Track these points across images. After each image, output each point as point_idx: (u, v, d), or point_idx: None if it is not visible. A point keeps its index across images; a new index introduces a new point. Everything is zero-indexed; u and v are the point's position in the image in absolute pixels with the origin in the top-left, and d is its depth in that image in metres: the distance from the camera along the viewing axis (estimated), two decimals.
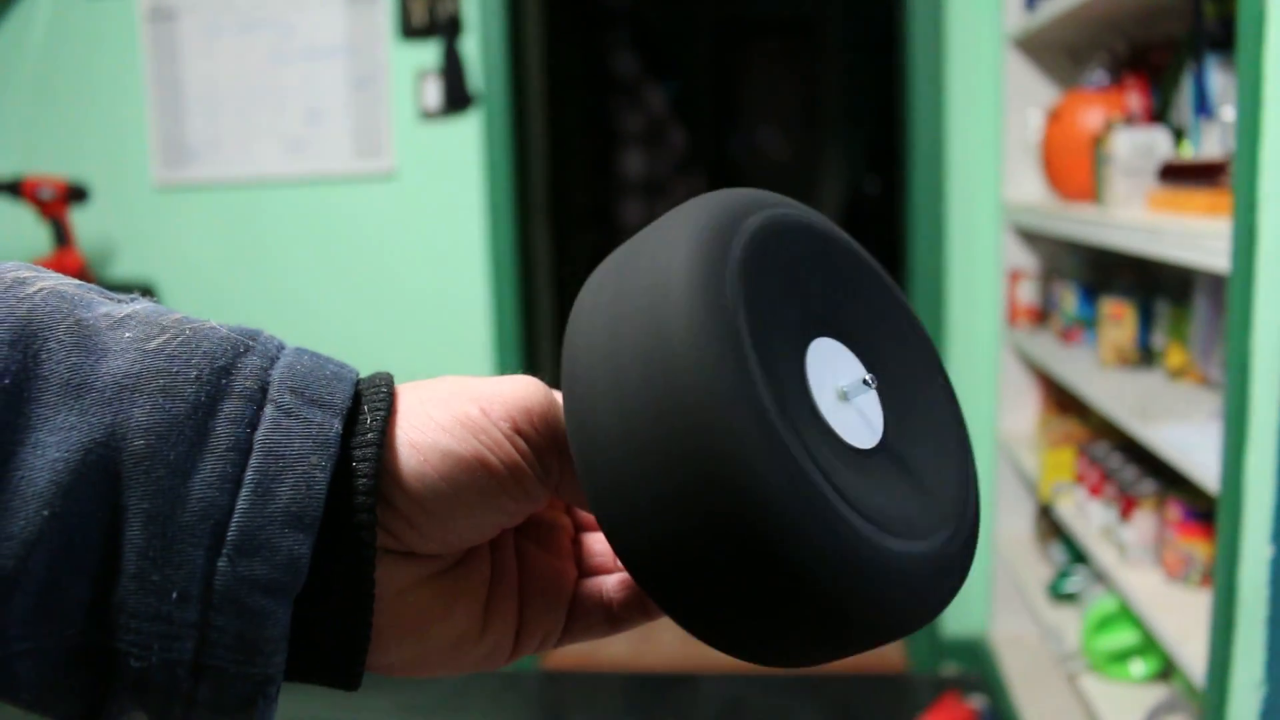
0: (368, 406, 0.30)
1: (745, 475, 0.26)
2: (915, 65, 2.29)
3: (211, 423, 0.27)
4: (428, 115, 2.44)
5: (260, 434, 0.28)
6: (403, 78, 2.44)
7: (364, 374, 0.32)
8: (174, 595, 0.26)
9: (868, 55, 6.35)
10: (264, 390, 0.28)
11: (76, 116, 2.56)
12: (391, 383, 0.31)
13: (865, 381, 0.32)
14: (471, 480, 0.30)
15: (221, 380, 0.28)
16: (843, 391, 0.32)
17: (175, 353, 0.28)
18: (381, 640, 0.31)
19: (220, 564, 0.27)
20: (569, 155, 3.79)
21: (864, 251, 0.36)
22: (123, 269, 2.59)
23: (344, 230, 2.52)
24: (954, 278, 2.37)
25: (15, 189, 2.35)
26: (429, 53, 2.42)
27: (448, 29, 2.39)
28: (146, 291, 0.31)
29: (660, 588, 0.29)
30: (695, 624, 0.29)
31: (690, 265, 0.29)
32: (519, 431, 0.31)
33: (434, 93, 2.42)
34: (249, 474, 0.27)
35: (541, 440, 0.32)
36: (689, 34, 6.57)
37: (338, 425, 0.29)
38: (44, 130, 2.57)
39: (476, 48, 2.41)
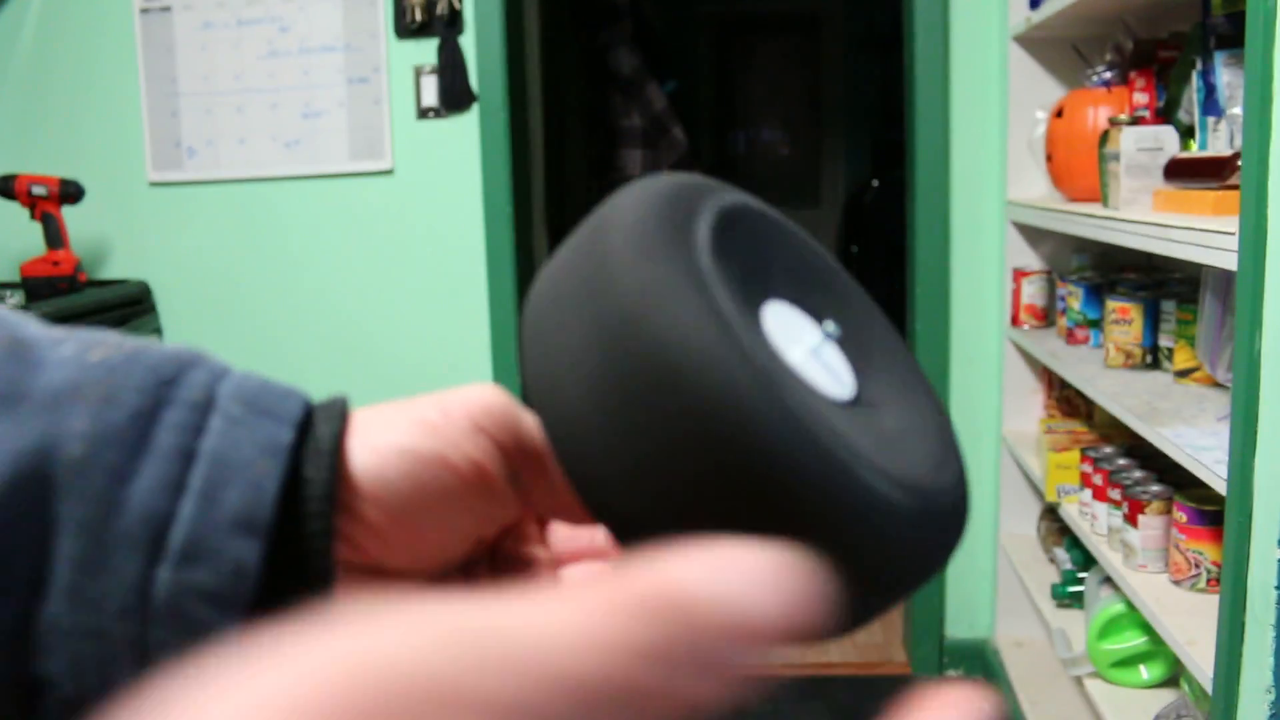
0: (321, 417, 0.29)
1: (744, 414, 0.24)
2: (918, 62, 2.27)
3: (154, 429, 0.26)
4: (426, 113, 2.42)
5: (207, 442, 0.26)
6: (401, 75, 2.42)
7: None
8: (111, 608, 0.24)
9: (871, 52, 6.35)
10: (211, 400, 0.27)
11: (70, 114, 2.54)
12: (346, 400, 0.30)
13: (829, 335, 0.31)
14: (434, 478, 0.29)
15: (166, 390, 0.27)
16: (810, 346, 0.30)
17: (117, 364, 0.27)
18: None
19: (161, 573, 0.25)
20: (568, 153, 3.78)
21: (808, 235, 0.35)
22: (117, 268, 2.57)
23: (341, 229, 2.51)
24: (958, 277, 2.35)
25: (8, 187, 2.33)
26: (427, 50, 2.40)
27: (446, 26, 2.37)
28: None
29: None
30: None
31: (641, 215, 0.27)
32: (480, 429, 0.30)
33: (432, 91, 2.41)
34: (194, 480, 0.26)
35: (505, 440, 0.30)
36: (690, 31, 6.56)
37: (289, 434, 0.27)
38: (37, 128, 2.56)
39: (475, 45, 2.39)
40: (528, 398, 0.29)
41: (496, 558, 0.33)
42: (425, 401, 0.30)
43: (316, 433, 0.28)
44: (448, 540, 0.30)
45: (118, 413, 0.26)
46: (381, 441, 0.29)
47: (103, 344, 0.27)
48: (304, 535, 0.27)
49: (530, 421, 0.31)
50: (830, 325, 0.31)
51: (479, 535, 0.31)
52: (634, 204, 0.28)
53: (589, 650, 0.16)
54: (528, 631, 0.16)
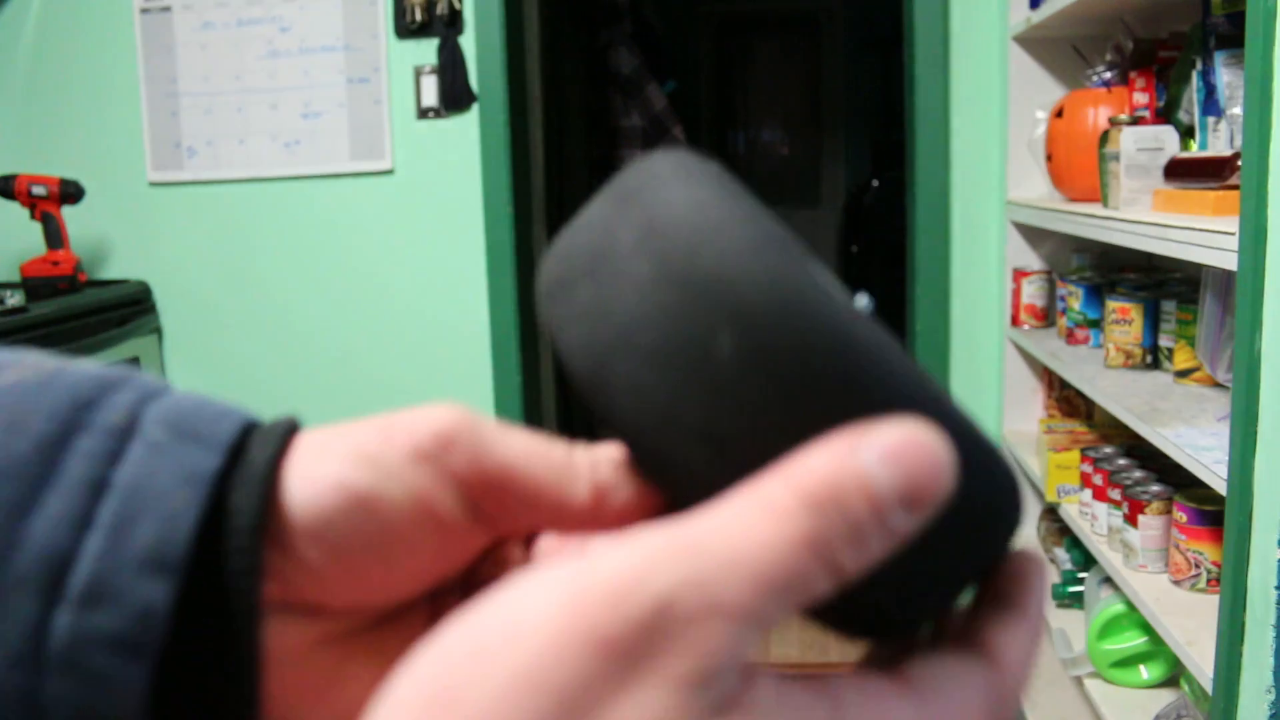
0: (258, 441, 0.26)
1: (861, 350, 0.23)
2: (918, 62, 2.27)
3: (61, 458, 0.23)
4: (426, 113, 2.42)
5: (122, 471, 0.23)
6: (401, 75, 2.42)
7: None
8: (0, 657, 0.22)
9: (870, 52, 6.35)
10: (133, 425, 0.24)
11: (70, 114, 2.54)
12: (295, 420, 0.27)
13: (865, 305, 0.29)
14: (369, 517, 0.25)
15: (81, 414, 0.24)
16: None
17: (30, 388, 0.24)
18: (284, 709, 0.26)
19: (59, 617, 0.22)
20: (568, 153, 3.78)
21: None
22: (116, 268, 2.57)
23: (341, 229, 2.51)
24: (958, 277, 2.35)
25: (8, 187, 2.33)
26: (427, 50, 2.40)
27: (446, 26, 2.37)
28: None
29: None
30: None
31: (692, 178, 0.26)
32: (427, 459, 0.26)
33: (432, 90, 2.41)
34: (102, 514, 0.23)
35: (461, 468, 0.26)
36: (690, 30, 6.56)
37: (215, 460, 0.24)
38: (37, 128, 2.56)
39: (475, 45, 2.39)
40: (583, 361, 0.25)
41: (471, 584, 0.30)
42: (370, 426, 0.27)
43: (249, 458, 0.25)
44: (395, 581, 0.27)
45: (22, 441, 0.23)
46: (318, 472, 0.26)
47: (19, 365, 0.25)
48: (226, 573, 0.24)
49: (497, 442, 0.27)
50: (864, 298, 0.29)
51: (437, 573, 0.28)
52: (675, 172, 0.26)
53: (773, 552, 0.20)
54: (723, 544, 0.20)
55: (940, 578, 0.25)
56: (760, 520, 0.20)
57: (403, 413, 0.27)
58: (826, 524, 0.20)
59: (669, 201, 0.25)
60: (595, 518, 0.27)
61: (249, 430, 0.26)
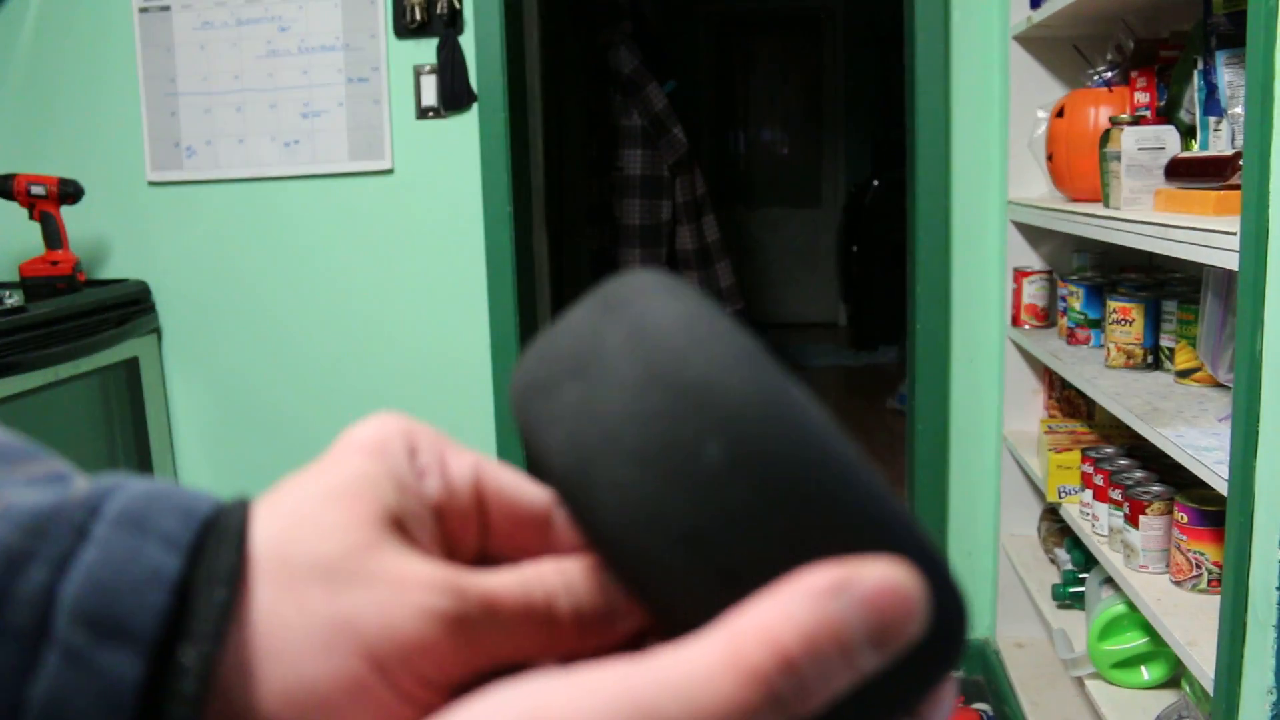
0: (194, 627, 0.22)
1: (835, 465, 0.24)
2: (919, 62, 2.27)
3: None
4: (425, 113, 2.42)
5: (36, 690, 0.21)
6: (400, 75, 2.42)
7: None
8: None
9: (871, 51, 6.34)
10: (44, 624, 0.21)
11: (68, 113, 2.54)
12: (233, 569, 0.23)
13: None
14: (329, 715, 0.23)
15: None
16: None
17: None
18: None
19: None
20: (568, 153, 3.77)
21: None
22: (116, 268, 2.57)
23: (341, 229, 2.51)
24: (959, 277, 2.35)
25: (6, 187, 2.33)
26: (426, 50, 2.40)
27: (446, 26, 2.37)
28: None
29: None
30: None
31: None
32: (409, 677, 0.24)
33: (431, 90, 2.40)
34: None
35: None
36: (690, 30, 6.56)
37: (137, 670, 0.21)
38: (35, 127, 2.55)
39: (474, 45, 2.39)
40: (565, 460, 0.26)
41: None
42: (336, 600, 0.23)
43: (186, 649, 0.22)
44: None
45: None
46: (276, 677, 0.22)
47: None
48: None
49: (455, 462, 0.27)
50: None
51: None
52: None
53: (723, 708, 0.21)
54: (685, 701, 0.21)
55: (885, 699, 0.25)
56: (728, 680, 0.21)
57: (369, 595, 0.24)
58: (796, 683, 0.21)
59: (657, 311, 0.26)
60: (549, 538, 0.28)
61: (187, 587, 0.23)
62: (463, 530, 0.28)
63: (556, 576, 0.26)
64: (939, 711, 0.25)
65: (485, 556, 0.29)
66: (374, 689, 0.23)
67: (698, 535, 0.24)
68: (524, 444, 0.28)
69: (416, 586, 0.24)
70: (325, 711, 0.23)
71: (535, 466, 0.28)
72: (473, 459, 0.28)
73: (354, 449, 0.27)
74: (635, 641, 0.27)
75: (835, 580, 0.21)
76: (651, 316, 0.26)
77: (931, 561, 0.24)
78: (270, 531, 0.24)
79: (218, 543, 0.23)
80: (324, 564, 0.24)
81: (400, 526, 0.25)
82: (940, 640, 0.25)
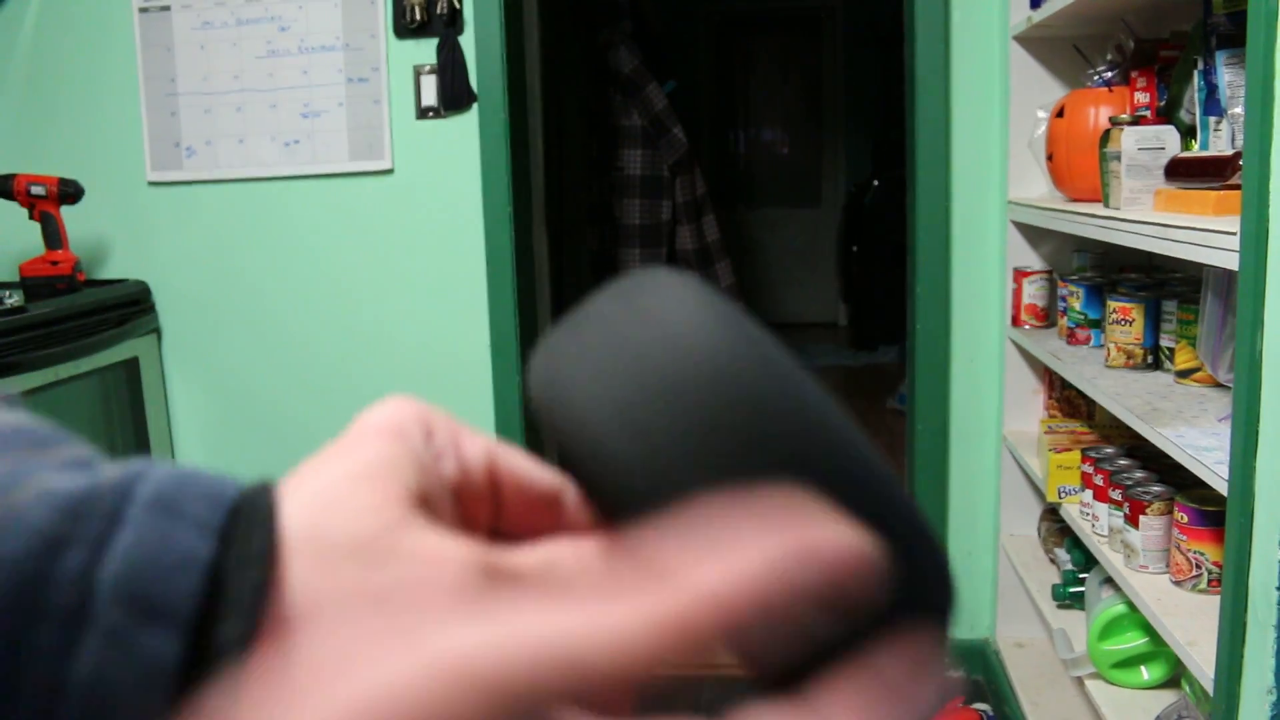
0: (230, 607, 0.23)
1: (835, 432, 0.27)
2: (919, 62, 2.27)
3: (15, 663, 0.21)
4: (425, 113, 2.42)
5: (77, 669, 0.21)
6: (400, 75, 2.42)
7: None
8: None
9: (871, 51, 6.34)
10: (85, 606, 0.22)
11: (68, 113, 2.54)
12: (265, 550, 0.24)
13: None
14: None
15: (27, 600, 0.21)
16: None
17: None
18: None
19: None
20: (568, 153, 3.77)
21: None
22: (116, 268, 2.57)
23: (341, 229, 2.51)
24: (959, 277, 2.35)
25: (6, 187, 2.33)
26: (426, 50, 2.40)
27: (446, 25, 2.37)
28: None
29: None
30: None
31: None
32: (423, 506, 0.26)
33: (431, 90, 2.40)
34: None
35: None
36: (690, 30, 6.56)
37: (175, 649, 0.22)
38: (35, 127, 2.55)
39: (474, 45, 2.39)
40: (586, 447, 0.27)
41: None
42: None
43: (223, 627, 0.23)
44: None
45: None
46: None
47: None
48: None
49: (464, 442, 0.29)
50: None
51: None
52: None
53: (639, 656, 0.22)
54: (585, 640, 0.22)
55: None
56: (659, 635, 0.22)
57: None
58: (743, 639, 0.23)
59: (669, 295, 0.28)
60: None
61: (220, 570, 0.23)
62: (477, 510, 0.29)
63: (572, 557, 0.28)
64: (900, 663, 0.26)
65: (496, 536, 0.30)
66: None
67: (705, 464, 0.26)
68: (543, 424, 0.29)
69: (450, 563, 0.25)
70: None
71: (554, 447, 0.29)
72: (485, 441, 0.30)
73: (372, 432, 0.27)
74: None
75: (790, 545, 0.23)
76: (663, 298, 0.28)
77: (920, 534, 0.26)
78: (299, 513, 0.25)
79: (248, 525, 0.24)
80: (358, 543, 0.24)
81: (424, 506, 0.26)
82: (920, 595, 0.26)
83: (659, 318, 0.28)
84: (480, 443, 0.30)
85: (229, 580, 0.23)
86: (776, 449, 0.25)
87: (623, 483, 0.27)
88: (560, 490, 0.30)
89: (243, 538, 0.24)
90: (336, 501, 0.25)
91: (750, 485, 0.25)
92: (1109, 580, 1.79)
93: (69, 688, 0.21)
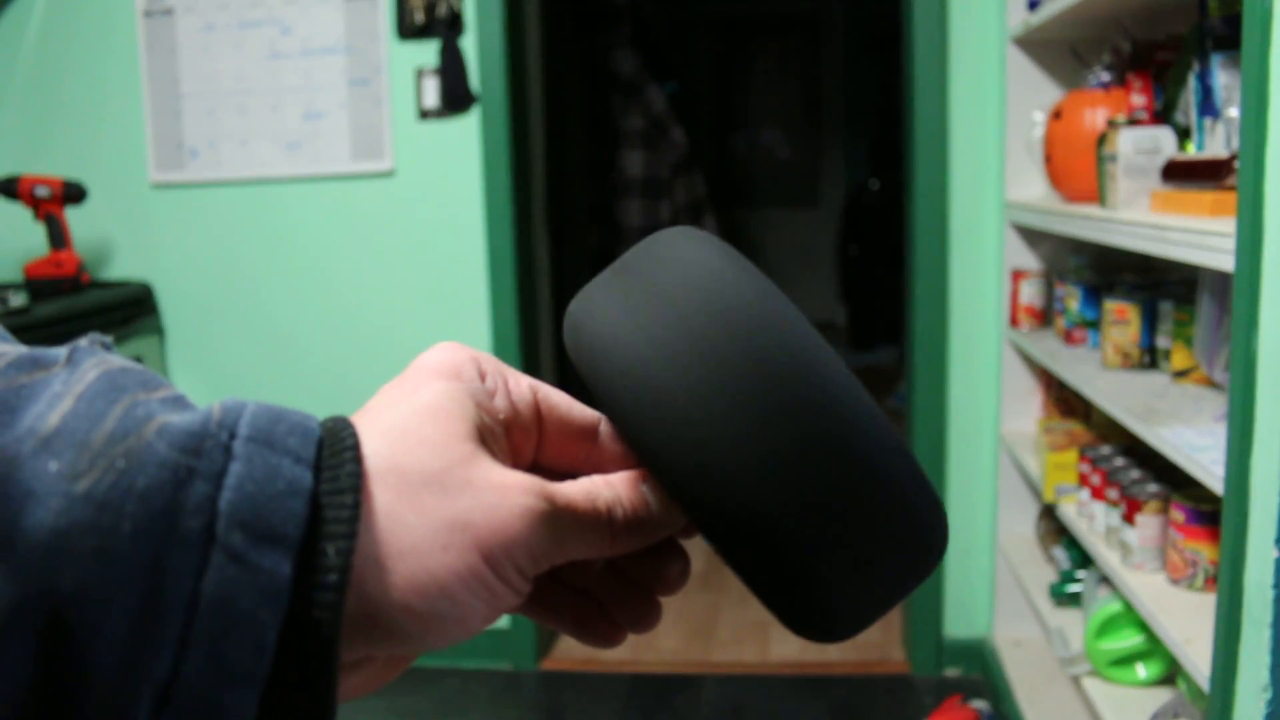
0: (329, 529, 0.26)
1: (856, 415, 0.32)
2: (917, 64, 2.28)
3: (157, 582, 0.24)
4: (427, 115, 2.43)
5: (206, 586, 0.24)
6: (402, 77, 2.43)
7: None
8: None
9: (870, 53, 6.35)
10: (210, 530, 0.25)
11: (73, 115, 2.55)
12: (357, 479, 0.27)
13: None
14: (453, 608, 0.28)
15: (161, 527, 0.24)
16: None
17: (106, 500, 0.24)
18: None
19: None
20: (568, 155, 3.78)
21: None
22: (119, 269, 2.58)
23: (343, 230, 2.51)
24: (957, 278, 2.36)
25: (11, 188, 2.34)
26: (428, 51, 2.41)
27: (447, 28, 2.38)
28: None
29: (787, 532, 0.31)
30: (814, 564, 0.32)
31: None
32: (512, 567, 0.29)
33: (433, 92, 2.41)
34: (195, 634, 0.24)
35: (532, 566, 0.30)
36: (690, 32, 6.56)
37: (288, 569, 0.25)
38: (40, 129, 2.56)
39: (475, 47, 2.40)
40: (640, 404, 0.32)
41: None
42: (450, 505, 0.28)
43: (325, 550, 0.26)
44: (468, 629, 0.30)
45: (113, 570, 0.23)
46: (404, 568, 0.27)
47: (90, 455, 0.24)
48: (307, 674, 0.26)
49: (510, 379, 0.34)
50: None
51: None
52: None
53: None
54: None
55: (881, 579, 0.34)
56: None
57: (481, 496, 0.29)
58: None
59: (689, 248, 0.34)
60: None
61: (318, 498, 0.26)
62: (524, 443, 0.33)
63: (608, 490, 0.32)
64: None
65: (536, 467, 0.34)
66: (485, 578, 0.28)
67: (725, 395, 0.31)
68: (580, 365, 0.34)
69: (516, 490, 0.29)
70: (447, 598, 0.28)
71: (586, 388, 0.34)
72: (530, 381, 0.34)
73: (431, 373, 0.31)
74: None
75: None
76: (685, 249, 0.33)
77: (908, 463, 0.33)
78: (378, 446, 0.28)
79: (336, 457, 0.27)
80: (433, 474, 0.28)
81: (485, 440, 0.30)
82: (912, 526, 0.32)
83: (684, 264, 0.32)
84: (526, 382, 0.33)
85: (326, 506, 0.26)
86: (788, 373, 0.30)
87: (655, 400, 0.31)
88: (596, 424, 0.35)
89: (332, 468, 0.27)
90: (409, 435, 0.29)
91: (763, 402, 0.30)
92: (1105, 579, 1.80)
93: (200, 603, 0.24)
